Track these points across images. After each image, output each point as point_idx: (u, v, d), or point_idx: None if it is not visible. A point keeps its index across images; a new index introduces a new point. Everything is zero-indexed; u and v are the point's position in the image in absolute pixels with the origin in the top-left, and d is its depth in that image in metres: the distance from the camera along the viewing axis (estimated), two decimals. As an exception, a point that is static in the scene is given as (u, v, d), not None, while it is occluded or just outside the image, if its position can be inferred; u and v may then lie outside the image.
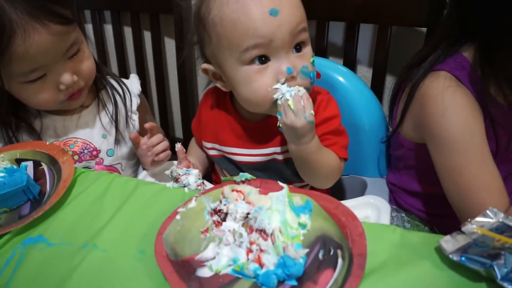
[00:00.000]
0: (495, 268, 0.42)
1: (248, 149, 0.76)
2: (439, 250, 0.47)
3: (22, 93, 0.73)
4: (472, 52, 0.66)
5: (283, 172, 0.77)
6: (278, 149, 0.75)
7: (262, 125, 0.74)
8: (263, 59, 0.63)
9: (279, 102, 0.62)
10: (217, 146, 0.79)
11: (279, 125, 0.65)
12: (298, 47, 0.65)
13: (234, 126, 0.76)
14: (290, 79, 0.64)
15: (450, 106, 0.65)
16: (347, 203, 0.72)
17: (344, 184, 0.94)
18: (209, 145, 0.81)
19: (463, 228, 0.49)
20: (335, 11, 0.98)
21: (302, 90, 0.62)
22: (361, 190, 0.92)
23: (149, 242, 0.51)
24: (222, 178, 0.65)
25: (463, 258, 0.44)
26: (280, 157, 0.75)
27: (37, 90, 0.72)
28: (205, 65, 0.70)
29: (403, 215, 0.85)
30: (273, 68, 0.63)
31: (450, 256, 0.45)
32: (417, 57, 0.74)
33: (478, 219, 0.50)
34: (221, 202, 0.56)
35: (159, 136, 0.80)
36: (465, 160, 0.63)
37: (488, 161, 0.63)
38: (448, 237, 0.48)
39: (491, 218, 0.50)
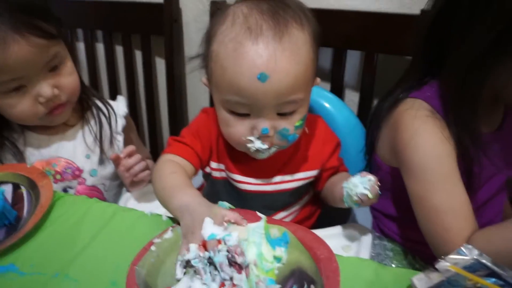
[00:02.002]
0: (465, 310, 0.41)
1: (254, 178, 0.74)
2: (412, 288, 0.47)
3: (2, 104, 0.74)
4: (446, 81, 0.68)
5: (284, 200, 0.77)
6: (285, 178, 0.74)
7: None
8: (243, 114, 0.62)
9: (355, 198, 0.59)
10: (222, 166, 0.76)
11: (349, 205, 0.63)
12: (284, 113, 0.62)
13: (240, 153, 0.71)
14: (264, 137, 0.62)
15: (418, 132, 0.65)
16: (330, 230, 0.73)
17: (330, 210, 0.94)
18: (214, 165, 0.77)
19: (437, 265, 0.49)
20: (322, 37, 0.99)
21: (372, 178, 0.59)
22: (346, 217, 0.92)
23: (122, 273, 0.51)
24: None
25: (434, 298, 0.44)
26: (287, 186, 0.75)
27: (17, 102, 0.74)
28: (205, 80, 0.69)
29: (385, 242, 0.84)
30: (251, 122, 0.62)
31: (422, 295, 0.44)
32: (392, 88, 0.75)
33: (452, 256, 0.50)
34: None
35: (137, 157, 0.81)
36: (433, 185, 0.63)
37: (456, 187, 0.63)
38: (421, 274, 0.48)
39: (466, 256, 0.50)
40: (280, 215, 0.78)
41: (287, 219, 0.78)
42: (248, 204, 0.75)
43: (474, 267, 0.48)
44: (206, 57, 0.65)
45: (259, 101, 0.59)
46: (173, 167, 0.66)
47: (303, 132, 0.71)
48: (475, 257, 0.50)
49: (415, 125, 0.66)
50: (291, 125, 0.63)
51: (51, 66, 0.74)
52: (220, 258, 0.48)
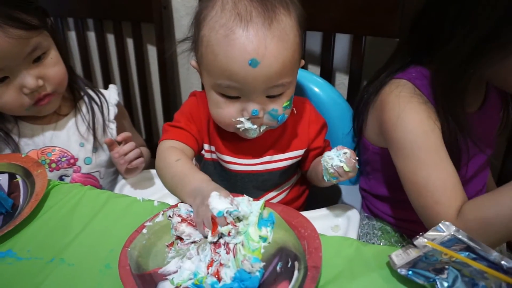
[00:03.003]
0: (437, 282, 0.44)
1: (243, 159, 0.76)
2: (390, 264, 0.49)
3: None
4: (433, 63, 0.69)
5: (273, 180, 0.79)
6: (273, 157, 0.76)
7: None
8: (234, 97, 0.64)
9: (331, 171, 0.61)
10: (213, 148, 0.78)
11: (328, 179, 0.64)
12: (272, 95, 0.64)
13: (230, 134, 0.73)
14: (254, 118, 0.64)
15: (405, 110, 0.67)
16: (319, 211, 0.75)
17: (319, 192, 0.96)
18: (206, 146, 0.78)
19: (415, 242, 0.51)
20: (311, 21, 0.99)
21: (348, 151, 0.61)
22: (335, 198, 0.94)
23: (116, 256, 0.53)
24: None
25: (410, 272, 0.46)
26: (275, 165, 0.77)
27: (1, 93, 0.75)
28: (194, 63, 0.70)
29: (374, 222, 0.87)
30: (241, 104, 0.64)
31: (398, 270, 0.47)
32: (379, 71, 0.77)
33: (430, 233, 0.52)
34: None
35: (131, 144, 0.82)
36: (421, 160, 0.65)
37: (443, 160, 0.65)
38: (400, 251, 0.50)
39: (443, 232, 0.53)
40: (270, 195, 0.80)
41: (276, 199, 0.81)
42: (238, 185, 0.77)
43: (451, 243, 0.50)
44: (196, 41, 0.66)
45: (250, 85, 0.61)
46: (177, 154, 0.67)
47: (291, 113, 0.73)
48: (452, 233, 0.52)
49: (401, 105, 0.67)
50: (280, 106, 0.65)
51: (33, 57, 0.75)
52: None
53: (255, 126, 0.66)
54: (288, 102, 0.66)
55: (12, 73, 0.73)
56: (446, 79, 0.66)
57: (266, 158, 0.76)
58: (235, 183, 0.77)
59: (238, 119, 0.65)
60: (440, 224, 0.53)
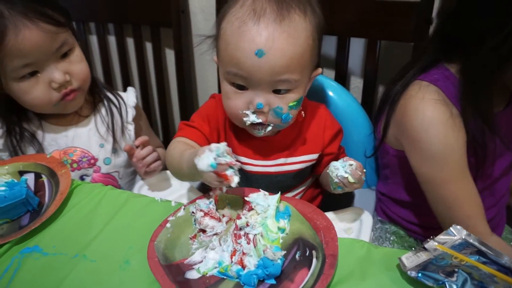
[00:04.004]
0: (447, 285, 0.45)
1: (258, 160, 0.78)
2: (400, 266, 0.50)
3: (17, 91, 0.79)
4: (456, 64, 0.69)
5: (288, 182, 0.80)
6: (288, 160, 0.78)
7: (270, 137, 0.76)
8: (242, 87, 0.66)
9: (336, 180, 0.63)
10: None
11: (334, 188, 0.66)
12: (278, 91, 0.66)
13: (246, 135, 0.76)
14: (259, 112, 0.66)
15: (432, 121, 0.67)
16: (332, 214, 0.76)
17: (333, 195, 0.97)
18: None
19: (426, 245, 0.52)
20: (326, 25, 1.01)
21: (354, 163, 0.63)
22: (349, 201, 0.95)
23: (135, 253, 0.56)
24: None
25: (419, 275, 0.47)
26: (290, 168, 0.78)
27: (31, 88, 0.78)
28: (215, 58, 0.73)
29: (387, 226, 0.87)
30: (248, 96, 0.66)
31: (408, 272, 0.48)
32: (401, 70, 0.77)
33: (441, 236, 0.53)
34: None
35: (148, 149, 0.85)
36: (448, 174, 0.67)
37: (468, 175, 0.67)
38: (410, 253, 0.51)
39: (454, 236, 0.53)
40: None
41: None
42: (253, 186, 0.79)
43: (461, 246, 0.51)
44: (217, 35, 0.69)
45: (255, 75, 0.63)
46: (175, 145, 0.72)
47: (299, 115, 0.74)
48: (463, 237, 0.53)
49: (426, 113, 0.68)
50: (285, 104, 0.67)
51: (61, 52, 0.79)
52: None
53: (259, 120, 0.67)
54: (295, 103, 0.68)
55: (41, 67, 0.77)
56: (478, 77, 0.66)
57: (281, 160, 0.77)
58: (250, 184, 0.79)
59: (244, 111, 0.67)
60: (451, 228, 0.53)
